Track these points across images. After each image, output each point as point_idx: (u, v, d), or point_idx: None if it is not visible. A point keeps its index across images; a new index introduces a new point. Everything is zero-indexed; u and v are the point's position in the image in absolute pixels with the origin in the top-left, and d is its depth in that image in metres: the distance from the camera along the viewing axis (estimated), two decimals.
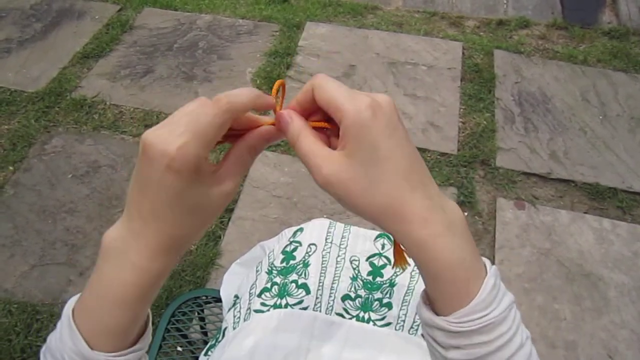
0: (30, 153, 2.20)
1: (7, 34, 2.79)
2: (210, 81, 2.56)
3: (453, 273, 0.39)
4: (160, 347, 1.04)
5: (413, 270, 0.84)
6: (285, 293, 0.79)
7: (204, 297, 1.14)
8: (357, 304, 0.79)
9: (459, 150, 2.25)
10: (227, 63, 2.67)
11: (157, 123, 0.40)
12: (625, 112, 2.44)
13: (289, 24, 2.90)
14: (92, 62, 2.65)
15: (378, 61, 2.68)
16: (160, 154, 0.38)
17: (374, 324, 0.77)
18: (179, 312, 1.11)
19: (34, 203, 2.01)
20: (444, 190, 2.06)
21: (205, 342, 1.12)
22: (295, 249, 0.88)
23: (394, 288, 0.81)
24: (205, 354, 0.83)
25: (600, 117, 2.41)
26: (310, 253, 0.86)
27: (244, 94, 0.41)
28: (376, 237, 0.90)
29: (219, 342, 0.80)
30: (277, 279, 0.82)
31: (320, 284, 0.81)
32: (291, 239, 0.91)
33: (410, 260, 0.45)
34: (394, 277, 0.83)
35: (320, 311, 0.77)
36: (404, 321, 0.77)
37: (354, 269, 0.84)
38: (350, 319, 0.77)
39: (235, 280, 0.98)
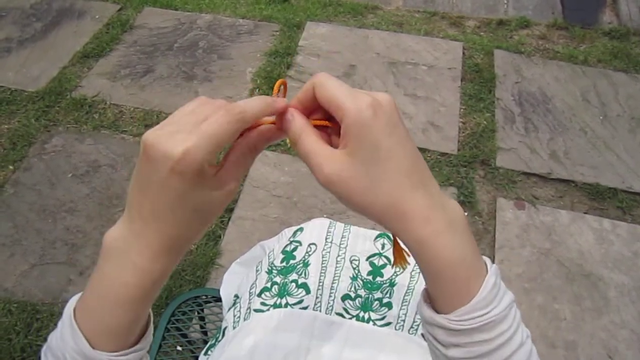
0: (31, 152, 2.20)
1: (7, 33, 2.79)
2: (210, 81, 2.56)
3: (454, 271, 0.39)
4: (160, 346, 1.04)
5: (413, 270, 0.84)
6: (285, 293, 0.79)
7: (204, 297, 1.14)
8: (357, 304, 0.79)
9: (459, 150, 2.25)
10: (227, 63, 2.67)
11: (158, 123, 0.40)
12: (625, 113, 2.44)
13: (290, 23, 2.90)
14: (92, 61, 2.65)
15: (378, 61, 2.68)
16: (162, 155, 0.37)
17: (374, 324, 0.77)
18: (179, 311, 1.11)
19: (34, 202, 2.01)
20: (444, 190, 2.06)
21: (205, 342, 1.12)
22: (295, 249, 0.88)
23: (394, 288, 0.81)
24: (205, 354, 0.83)
25: (601, 117, 2.41)
26: (310, 253, 0.86)
27: (256, 104, 0.41)
28: (376, 237, 0.90)
29: (219, 341, 0.80)
30: (277, 279, 0.82)
31: (320, 284, 0.81)
32: (291, 239, 0.91)
33: (410, 259, 0.45)
34: (394, 276, 0.83)
35: (320, 311, 0.77)
36: (404, 321, 0.77)
37: (354, 268, 0.84)
38: (350, 318, 0.77)
39: (235, 279, 0.98)
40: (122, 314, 0.42)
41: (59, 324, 0.44)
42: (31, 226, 1.94)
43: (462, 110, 2.43)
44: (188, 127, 0.38)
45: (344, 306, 0.78)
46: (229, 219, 1.96)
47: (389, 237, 0.89)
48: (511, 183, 2.12)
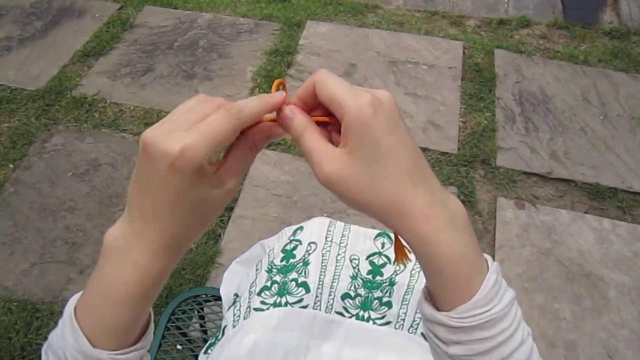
0: (31, 151, 2.20)
1: (7, 32, 2.79)
2: (210, 80, 2.56)
3: (455, 268, 0.39)
4: (160, 345, 1.04)
5: (413, 269, 0.84)
6: (285, 291, 0.79)
7: (203, 296, 1.14)
8: (357, 303, 0.79)
9: (459, 149, 2.25)
10: (227, 62, 2.67)
11: (158, 121, 0.40)
12: (625, 112, 2.44)
13: (290, 22, 2.90)
14: (92, 60, 2.65)
15: (379, 60, 2.68)
16: (161, 153, 0.37)
17: (374, 323, 0.76)
18: (179, 310, 1.11)
19: (34, 201, 2.01)
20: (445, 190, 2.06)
21: (205, 341, 1.12)
22: (295, 248, 0.88)
23: (394, 287, 0.81)
24: (205, 352, 0.83)
25: (601, 117, 2.41)
26: (310, 252, 0.86)
27: (254, 103, 0.41)
28: (376, 236, 0.90)
29: (219, 340, 0.80)
30: (277, 278, 0.82)
31: (320, 283, 0.81)
32: (291, 238, 0.91)
33: (411, 256, 0.45)
34: (393, 275, 0.83)
35: (320, 310, 0.77)
36: (403, 320, 0.77)
37: (354, 267, 0.84)
38: (350, 317, 0.77)
39: (235, 278, 0.98)
40: (122, 313, 0.42)
41: (60, 322, 0.44)
42: (31, 225, 1.94)
43: (462, 109, 2.43)
44: (187, 125, 0.38)
45: (344, 305, 0.78)
46: (229, 218, 1.96)
47: (389, 236, 0.89)
48: (511, 182, 2.12)
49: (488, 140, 2.28)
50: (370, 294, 0.80)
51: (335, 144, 0.42)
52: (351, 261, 0.85)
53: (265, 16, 2.97)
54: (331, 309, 0.78)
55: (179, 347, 1.10)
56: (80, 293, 0.44)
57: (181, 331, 1.10)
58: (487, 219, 2.01)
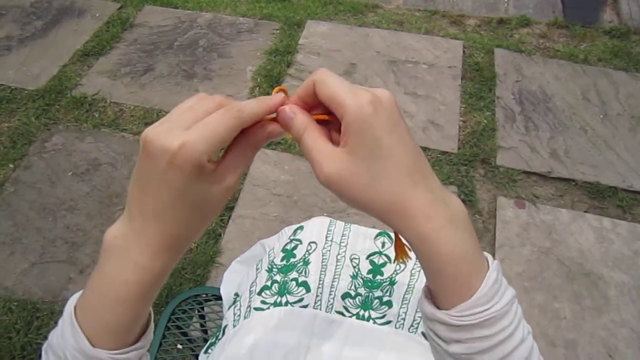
0: (31, 151, 2.20)
1: (7, 31, 2.79)
2: (210, 79, 2.56)
3: (455, 267, 0.39)
4: (161, 344, 1.04)
5: (413, 269, 0.84)
6: (286, 291, 0.79)
7: (204, 295, 1.14)
8: (357, 302, 0.79)
9: (459, 148, 2.25)
10: (227, 61, 2.66)
11: (158, 121, 0.40)
12: (625, 111, 2.44)
13: (290, 22, 2.90)
14: (92, 60, 2.65)
15: (379, 59, 2.68)
16: (161, 150, 0.38)
17: (374, 322, 0.76)
18: (179, 310, 1.11)
19: (34, 201, 2.01)
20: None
21: (206, 340, 1.12)
22: (295, 247, 0.88)
23: (394, 286, 0.81)
24: (206, 352, 0.83)
25: (601, 116, 2.41)
26: (310, 251, 0.86)
27: (255, 104, 0.42)
28: (376, 236, 0.90)
29: (219, 340, 0.80)
30: (278, 277, 0.82)
31: (321, 282, 0.81)
32: (291, 237, 0.91)
33: (411, 254, 0.45)
34: (394, 275, 0.83)
35: (320, 309, 0.77)
36: (404, 319, 0.77)
37: (354, 267, 0.84)
38: (351, 317, 0.77)
39: (236, 278, 0.98)
40: (122, 312, 0.42)
41: (60, 322, 0.44)
42: (31, 224, 1.94)
43: (462, 108, 2.43)
44: (187, 123, 0.39)
45: (344, 304, 0.78)
46: (229, 218, 1.96)
47: (389, 236, 0.89)
48: (511, 182, 2.12)
49: (488, 140, 2.28)
50: (370, 294, 0.80)
51: (335, 142, 0.42)
52: (351, 260, 0.85)
53: (265, 16, 2.97)
54: (331, 308, 0.78)
55: (179, 346, 1.11)
56: (80, 292, 0.44)
57: (181, 331, 1.10)
58: (487, 218, 2.01)
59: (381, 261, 0.85)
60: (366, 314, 0.77)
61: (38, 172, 2.12)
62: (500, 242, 1.92)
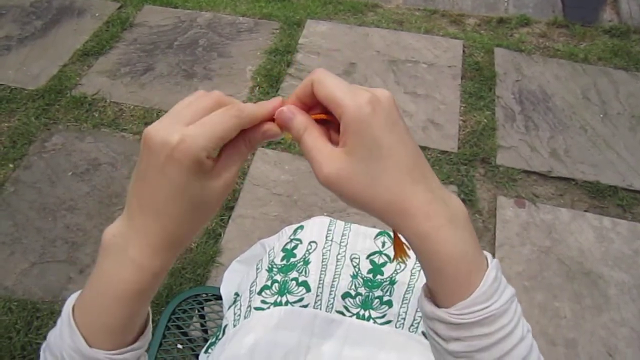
0: (31, 151, 2.20)
1: (7, 31, 2.79)
2: (210, 79, 2.56)
3: (455, 265, 0.39)
4: (161, 344, 1.04)
5: (413, 268, 0.84)
6: (286, 291, 0.79)
7: (204, 295, 1.14)
8: (358, 302, 0.79)
9: (459, 148, 2.25)
10: (227, 61, 2.66)
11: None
12: (625, 111, 2.44)
13: (290, 21, 2.90)
14: (92, 59, 2.65)
15: (378, 59, 2.67)
16: (161, 144, 0.38)
17: (374, 322, 0.76)
18: (180, 309, 1.11)
19: (34, 201, 2.01)
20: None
21: (206, 340, 1.12)
22: (295, 247, 0.88)
23: (394, 286, 0.81)
24: (206, 352, 0.83)
25: (601, 116, 2.41)
26: (310, 251, 0.86)
27: (254, 106, 0.43)
28: (376, 235, 0.90)
29: (219, 339, 0.80)
30: (278, 277, 0.82)
31: (321, 282, 0.81)
32: (291, 237, 0.91)
33: (410, 253, 0.45)
34: (394, 274, 0.83)
35: (320, 309, 0.77)
36: (404, 319, 0.77)
37: (355, 266, 0.84)
38: (351, 316, 0.77)
39: (236, 277, 0.98)
40: (119, 311, 0.42)
41: (58, 321, 0.44)
42: (31, 224, 1.94)
43: (462, 108, 2.43)
44: (186, 119, 0.39)
45: (345, 304, 0.78)
46: (229, 217, 1.96)
47: (389, 235, 0.89)
48: (511, 181, 2.12)
49: (488, 139, 2.28)
50: (370, 293, 0.80)
51: (334, 142, 0.42)
52: (351, 260, 0.85)
53: (264, 15, 2.97)
54: (332, 308, 0.78)
55: (179, 346, 1.11)
56: (78, 292, 0.44)
57: (182, 330, 1.10)
58: (487, 218, 2.01)
59: (381, 261, 0.85)
60: (366, 314, 0.77)
61: (38, 172, 2.12)
62: (500, 242, 1.92)
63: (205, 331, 1.20)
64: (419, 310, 0.76)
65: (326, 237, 0.88)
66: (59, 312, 0.44)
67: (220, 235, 1.92)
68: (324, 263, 0.84)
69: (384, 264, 0.85)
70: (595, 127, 2.35)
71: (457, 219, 0.40)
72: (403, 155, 0.39)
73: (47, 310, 1.70)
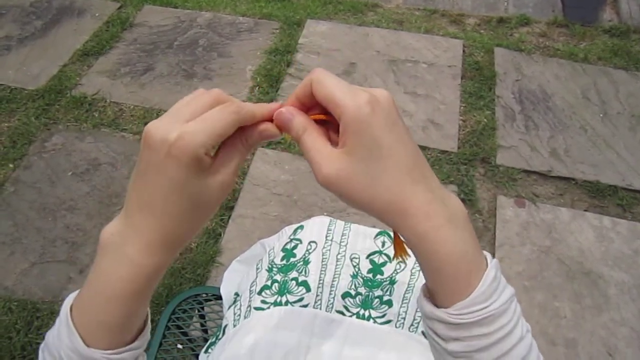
0: (31, 151, 2.20)
1: (7, 31, 2.79)
2: (210, 79, 2.56)
3: (454, 265, 0.39)
4: (161, 344, 1.04)
5: (413, 268, 0.84)
6: (286, 290, 0.79)
7: (204, 295, 1.14)
8: (358, 302, 0.79)
9: (459, 148, 2.25)
10: (227, 61, 2.66)
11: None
12: (625, 110, 2.44)
13: (289, 21, 2.90)
14: (92, 59, 2.65)
15: (378, 59, 2.67)
16: (160, 141, 0.38)
17: (375, 322, 0.76)
18: (180, 309, 1.11)
19: (34, 201, 2.01)
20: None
21: (206, 340, 1.12)
22: (295, 247, 0.88)
23: (395, 285, 0.81)
24: (206, 352, 0.83)
25: (601, 115, 2.41)
26: (310, 251, 0.86)
27: (254, 105, 0.43)
28: (376, 235, 0.90)
29: (220, 339, 0.80)
30: (278, 277, 0.82)
31: (321, 282, 0.81)
32: (291, 237, 0.91)
33: (410, 252, 0.45)
34: (394, 274, 0.83)
35: (320, 309, 0.77)
36: (404, 319, 0.77)
37: (354, 266, 0.84)
38: (351, 316, 0.77)
39: (236, 277, 0.98)
40: (116, 310, 0.42)
41: (57, 321, 0.44)
42: (31, 224, 1.94)
43: (462, 108, 2.43)
44: (185, 117, 0.40)
45: (344, 304, 0.78)
46: (229, 217, 1.96)
47: (389, 235, 0.89)
48: (511, 181, 2.12)
49: (488, 139, 2.28)
50: (370, 293, 0.80)
51: (333, 142, 0.42)
52: (351, 260, 0.85)
53: (264, 15, 2.97)
54: (332, 307, 0.78)
55: (179, 346, 1.11)
56: (77, 291, 0.44)
57: (182, 330, 1.10)
58: (487, 218, 2.01)
59: (381, 260, 0.85)
60: (366, 313, 0.77)
61: (38, 172, 2.12)
62: (500, 241, 1.92)
63: (205, 331, 1.20)
64: (419, 309, 0.76)
65: (326, 237, 0.88)
66: (58, 312, 0.44)
67: (220, 235, 1.92)
68: (324, 263, 0.84)
69: (384, 264, 0.85)
70: (595, 126, 2.35)
71: (456, 219, 0.40)
72: (402, 155, 0.39)
73: (47, 310, 1.70)
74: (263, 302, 0.78)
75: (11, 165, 2.13)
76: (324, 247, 0.86)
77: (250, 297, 0.82)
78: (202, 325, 1.19)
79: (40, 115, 2.34)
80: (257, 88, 2.49)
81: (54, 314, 1.69)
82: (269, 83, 2.49)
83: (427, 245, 0.39)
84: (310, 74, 0.42)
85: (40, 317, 1.69)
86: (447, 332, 0.40)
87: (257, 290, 0.82)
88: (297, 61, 2.65)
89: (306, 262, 0.84)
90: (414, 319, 0.77)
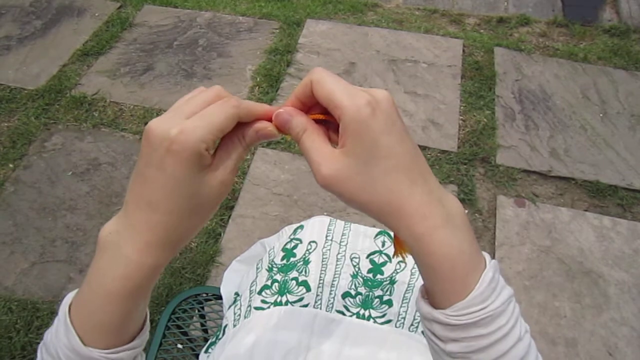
0: (30, 150, 2.20)
1: (6, 31, 2.79)
2: (210, 79, 2.56)
3: (451, 266, 0.39)
4: (161, 344, 1.04)
5: (413, 268, 0.84)
6: (286, 290, 0.79)
7: (204, 295, 1.14)
8: (358, 302, 0.79)
9: (459, 147, 2.25)
10: (227, 60, 2.66)
11: None
12: (625, 110, 2.44)
13: (289, 21, 2.90)
14: (92, 59, 2.65)
15: (378, 58, 2.67)
16: (160, 137, 0.38)
17: (375, 321, 0.76)
18: (180, 309, 1.11)
19: (34, 200, 2.01)
20: (444, 188, 2.06)
21: (206, 340, 1.12)
22: (295, 247, 0.88)
23: (395, 285, 0.81)
24: (206, 352, 0.83)
25: (601, 115, 2.41)
26: (310, 250, 0.86)
27: (253, 103, 0.43)
28: (376, 235, 0.90)
29: (220, 339, 0.80)
30: (278, 277, 0.82)
31: (321, 282, 0.81)
32: (291, 237, 0.91)
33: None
34: (394, 274, 0.83)
35: (320, 308, 0.77)
36: (404, 318, 0.77)
37: (355, 266, 0.84)
38: (351, 316, 0.77)
39: (236, 277, 0.98)
40: (113, 309, 0.42)
41: (55, 320, 0.44)
42: (31, 224, 1.94)
43: (462, 107, 2.43)
44: (186, 113, 0.40)
45: (345, 304, 0.78)
46: (229, 217, 1.96)
47: (389, 235, 0.89)
48: (511, 181, 2.12)
49: (488, 139, 2.28)
50: (370, 293, 0.80)
51: (333, 142, 0.42)
52: (351, 260, 0.85)
53: (264, 15, 2.97)
54: (332, 307, 0.78)
55: (179, 346, 1.11)
56: (75, 291, 0.44)
57: (182, 330, 1.10)
58: (487, 217, 2.01)
59: (381, 260, 0.85)
60: (366, 313, 0.77)
61: (38, 171, 2.12)
62: (500, 241, 1.92)
63: (206, 331, 1.20)
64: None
65: (326, 236, 0.88)
66: (58, 312, 0.44)
67: (220, 235, 1.92)
68: (324, 262, 0.84)
69: (384, 264, 0.85)
70: (595, 126, 2.35)
71: (454, 220, 0.40)
72: (401, 156, 0.39)
73: (47, 310, 1.70)
74: (263, 301, 0.78)
75: (11, 165, 2.13)
76: (324, 247, 0.86)
77: (250, 297, 0.82)
78: (202, 325, 1.19)
79: (40, 115, 2.34)
80: (257, 88, 2.49)
81: (54, 313, 1.69)
82: (268, 83, 2.49)
83: (423, 246, 0.39)
84: (310, 74, 0.42)
85: (40, 316, 1.69)
86: (445, 333, 0.40)
87: (257, 290, 0.82)
88: (297, 61, 2.64)
89: (306, 262, 0.84)
90: (414, 319, 0.77)
